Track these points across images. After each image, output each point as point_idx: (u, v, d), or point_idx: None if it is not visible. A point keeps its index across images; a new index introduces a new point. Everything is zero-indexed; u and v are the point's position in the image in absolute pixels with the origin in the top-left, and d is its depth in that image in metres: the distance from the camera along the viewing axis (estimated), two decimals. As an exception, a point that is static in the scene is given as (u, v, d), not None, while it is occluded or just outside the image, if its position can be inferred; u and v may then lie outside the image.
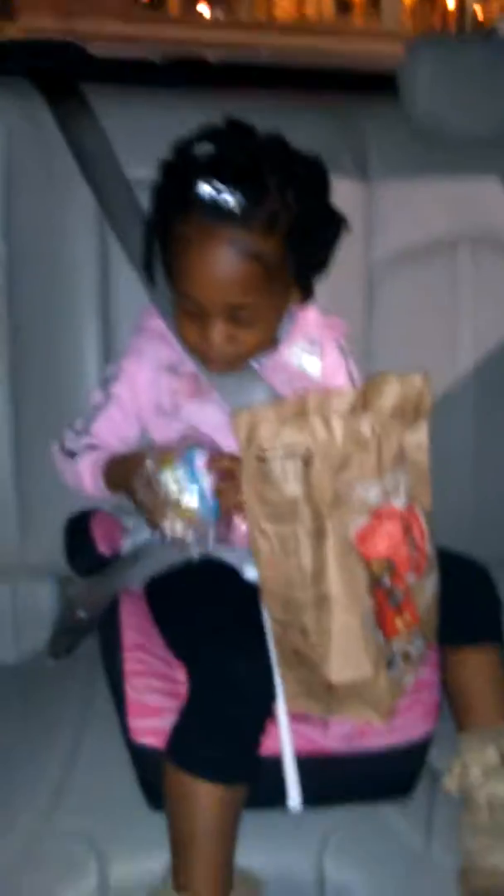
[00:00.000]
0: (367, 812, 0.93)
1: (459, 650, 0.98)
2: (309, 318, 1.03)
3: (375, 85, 1.32)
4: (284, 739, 0.89)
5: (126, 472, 0.96)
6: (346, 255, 1.13)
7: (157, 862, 0.87)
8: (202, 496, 0.90)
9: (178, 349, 1.00)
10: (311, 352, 1.02)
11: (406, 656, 0.90)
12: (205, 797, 0.85)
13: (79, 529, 1.08)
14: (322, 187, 0.96)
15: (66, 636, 1.02)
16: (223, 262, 0.89)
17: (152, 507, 0.92)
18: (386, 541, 0.84)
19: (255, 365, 0.99)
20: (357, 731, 0.91)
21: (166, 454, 0.92)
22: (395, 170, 1.24)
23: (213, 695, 0.86)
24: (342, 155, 1.21)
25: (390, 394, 0.86)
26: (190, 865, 0.85)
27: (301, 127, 1.05)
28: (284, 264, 0.92)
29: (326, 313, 1.06)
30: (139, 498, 0.93)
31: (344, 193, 1.02)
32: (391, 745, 0.92)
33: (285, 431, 0.78)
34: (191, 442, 0.94)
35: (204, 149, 0.91)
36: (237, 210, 0.87)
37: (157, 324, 1.03)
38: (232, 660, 0.87)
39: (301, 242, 0.92)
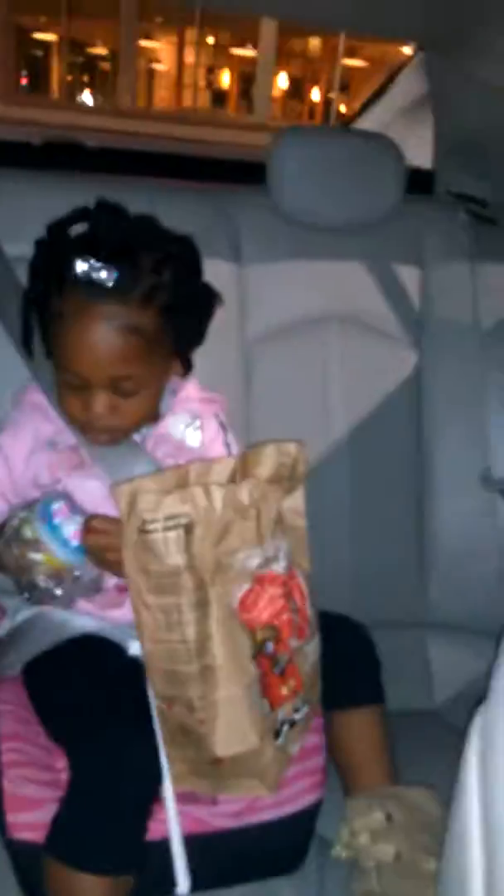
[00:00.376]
0: (259, 888, 0.91)
1: (343, 713, 0.99)
2: (190, 391, 1.06)
3: (246, 173, 1.40)
4: (172, 823, 0.86)
5: None
6: (223, 332, 1.18)
7: None
8: (63, 542, 0.90)
9: (58, 423, 1.00)
10: (192, 425, 1.04)
11: (292, 723, 0.90)
12: (88, 891, 0.81)
13: None
14: (194, 263, 1.00)
15: None
16: (102, 337, 0.91)
17: (15, 567, 0.90)
18: (268, 607, 0.85)
19: (137, 438, 1.00)
20: (246, 807, 0.90)
21: (27, 513, 0.92)
22: (266, 253, 1.30)
23: (94, 781, 0.84)
24: (217, 238, 1.26)
25: (267, 462, 0.88)
26: None
27: (176, 211, 1.10)
28: (163, 337, 0.94)
29: (206, 388, 1.09)
30: (2, 560, 0.91)
31: (218, 274, 1.08)
32: (280, 817, 0.91)
33: (166, 501, 0.79)
34: (49, 494, 0.94)
35: (78, 228, 0.94)
36: (113, 286, 0.89)
37: (36, 398, 1.03)
38: (114, 742, 0.85)
39: (178, 315, 0.95)
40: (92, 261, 0.89)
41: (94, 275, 0.89)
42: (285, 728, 0.89)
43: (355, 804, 0.94)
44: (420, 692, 1.31)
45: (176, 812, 0.86)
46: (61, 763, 0.90)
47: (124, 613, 0.90)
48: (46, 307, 0.94)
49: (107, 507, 0.90)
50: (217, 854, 0.89)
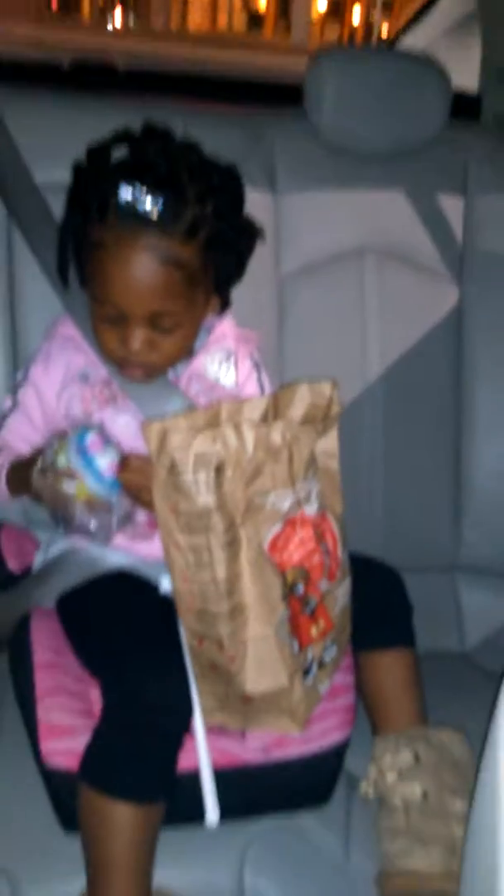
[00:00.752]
0: (285, 821, 0.93)
1: (373, 654, 0.99)
2: (225, 329, 1.03)
3: (283, 97, 1.34)
4: (202, 755, 0.88)
5: (25, 469, 0.93)
6: (257, 267, 1.14)
7: (72, 886, 0.85)
8: (97, 475, 0.88)
9: (90, 355, 0.99)
10: (226, 363, 1.02)
11: (321, 664, 0.90)
12: (121, 818, 0.83)
13: None
14: (238, 195, 0.96)
15: (-27, 655, 0.99)
16: (144, 270, 0.88)
17: (51, 497, 0.90)
18: (299, 549, 0.84)
19: (170, 375, 0.99)
20: (274, 742, 0.91)
21: (60, 442, 0.91)
22: (302, 181, 1.25)
23: (128, 712, 0.85)
24: (250, 166, 1.20)
25: (300, 402, 0.86)
26: (106, 890, 0.83)
27: (209, 136, 1.05)
28: (204, 272, 0.92)
29: (239, 324, 1.07)
30: (37, 490, 0.91)
31: (253, 204, 1.03)
32: (308, 754, 0.92)
33: (197, 441, 0.77)
34: (82, 424, 0.93)
35: (122, 153, 0.91)
36: (157, 216, 0.87)
37: (69, 330, 1.01)
38: (148, 676, 0.85)
39: (220, 251, 0.92)
40: (137, 188, 0.86)
41: (139, 204, 0.86)
42: (314, 667, 0.89)
43: (384, 743, 0.95)
44: (450, 635, 1.31)
45: (206, 744, 0.88)
46: (95, 693, 0.91)
47: (156, 550, 0.89)
48: (85, 236, 0.91)
49: (138, 443, 0.88)
50: (244, 787, 0.90)
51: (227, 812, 0.89)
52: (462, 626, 1.31)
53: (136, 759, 0.84)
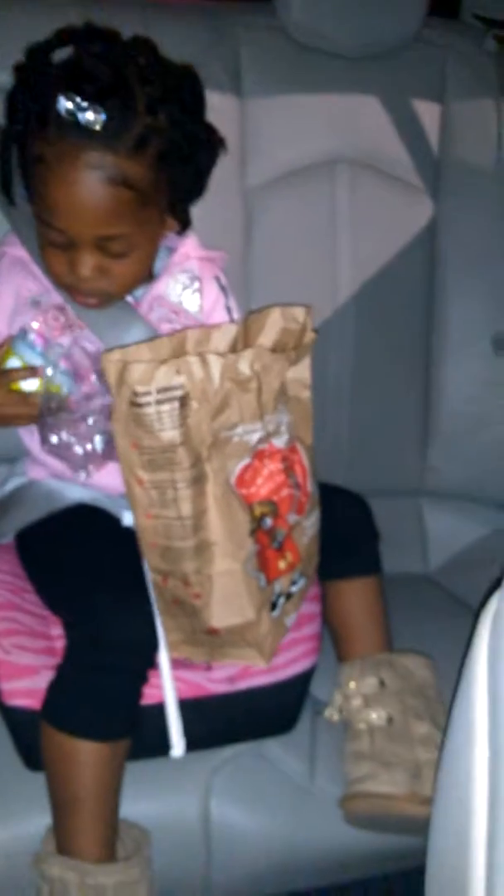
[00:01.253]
0: (250, 748, 0.93)
1: (340, 583, 0.98)
2: (189, 249, 0.97)
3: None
4: (167, 689, 0.86)
5: None
6: (220, 178, 1.06)
7: (32, 824, 0.85)
8: (54, 365, 0.86)
9: (42, 280, 0.92)
10: (190, 287, 0.96)
11: (288, 596, 0.89)
12: (85, 756, 0.82)
13: None
14: (196, 101, 0.88)
15: None
16: (88, 190, 0.81)
17: (12, 407, 0.86)
18: (267, 482, 0.82)
19: (130, 300, 0.93)
20: (239, 672, 0.90)
21: (4, 348, 0.88)
22: (270, 82, 1.16)
23: (92, 651, 0.83)
24: (213, 65, 1.12)
25: (271, 328, 0.82)
26: (73, 827, 0.82)
27: (167, 32, 0.97)
28: (157, 190, 0.85)
29: (203, 243, 1.00)
30: (4, 410, 0.87)
31: (216, 108, 0.94)
32: (274, 683, 0.91)
33: (160, 372, 0.73)
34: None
35: (62, 56, 0.82)
36: (101, 129, 0.79)
37: (18, 251, 0.94)
38: (111, 614, 0.83)
39: (175, 164, 0.85)
40: (77, 99, 0.78)
41: (80, 115, 0.78)
42: (281, 601, 0.87)
43: (349, 669, 0.95)
44: (414, 557, 1.31)
45: (171, 677, 0.86)
46: (56, 631, 0.89)
47: (117, 482, 0.86)
48: (26, 147, 0.83)
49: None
50: (210, 717, 0.90)
51: (192, 743, 0.88)
52: (426, 549, 1.31)
53: (100, 699, 0.82)
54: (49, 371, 0.86)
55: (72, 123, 0.79)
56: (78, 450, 0.86)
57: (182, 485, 0.77)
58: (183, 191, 0.89)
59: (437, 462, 1.28)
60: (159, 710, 0.87)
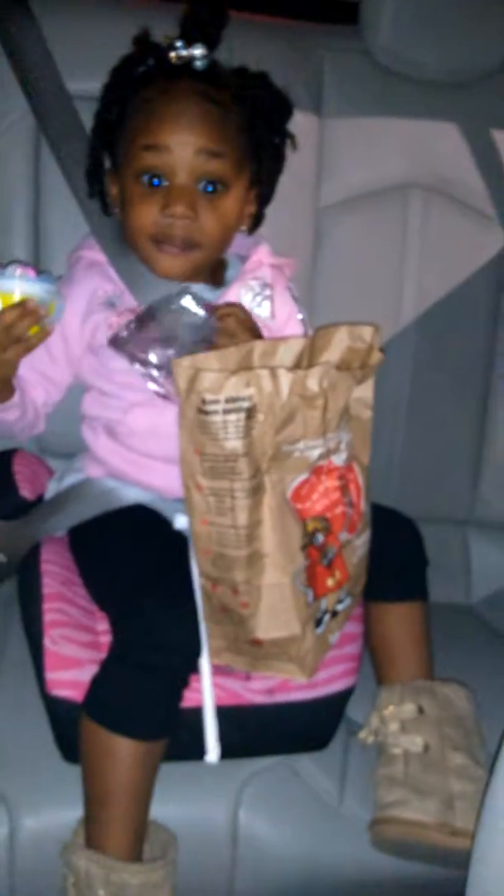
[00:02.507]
0: (283, 763, 0.93)
1: (385, 605, 0.97)
2: (262, 257, 0.98)
3: (337, 13, 1.25)
4: (206, 693, 0.86)
5: None
6: (295, 192, 1.09)
7: (69, 815, 0.85)
8: (29, 280, 0.84)
9: (117, 283, 0.94)
10: (261, 294, 0.97)
11: (333, 614, 0.88)
12: (122, 753, 0.82)
13: (0, 470, 1.02)
14: (280, 98, 0.95)
15: (-18, 580, 0.98)
16: (196, 103, 0.87)
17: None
18: (323, 499, 0.81)
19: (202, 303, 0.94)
20: (278, 684, 0.90)
21: None
22: (351, 104, 1.17)
23: (137, 650, 0.83)
24: (296, 84, 1.12)
25: (338, 345, 0.82)
26: (103, 822, 0.83)
27: (255, 48, 0.98)
28: (248, 147, 0.90)
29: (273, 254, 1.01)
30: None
31: (295, 126, 0.97)
32: (312, 699, 0.91)
33: (230, 383, 0.73)
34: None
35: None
36: (209, 69, 0.87)
37: (95, 255, 0.96)
38: (158, 614, 0.83)
39: (263, 130, 0.91)
40: (186, 45, 0.87)
41: (191, 56, 0.87)
42: (327, 618, 0.87)
43: (388, 693, 0.94)
44: (457, 588, 1.29)
45: (211, 683, 0.86)
46: (102, 626, 0.90)
47: (174, 487, 0.87)
48: (129, 104, 0.89)
49: None
50: (246, 727, 0.90)
51: (226, 751, 0.88)
52: (469, 580, 1.30)
53: (142, 697, 0.83)
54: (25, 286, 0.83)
55: (181, 67, 0.87)
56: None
57: (240, 494, 0.77)
58: (266, 160, 0.94)
59: (489, 493, 1.27)
60: (197, 714, 0.87)
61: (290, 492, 0.80)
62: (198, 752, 0.88)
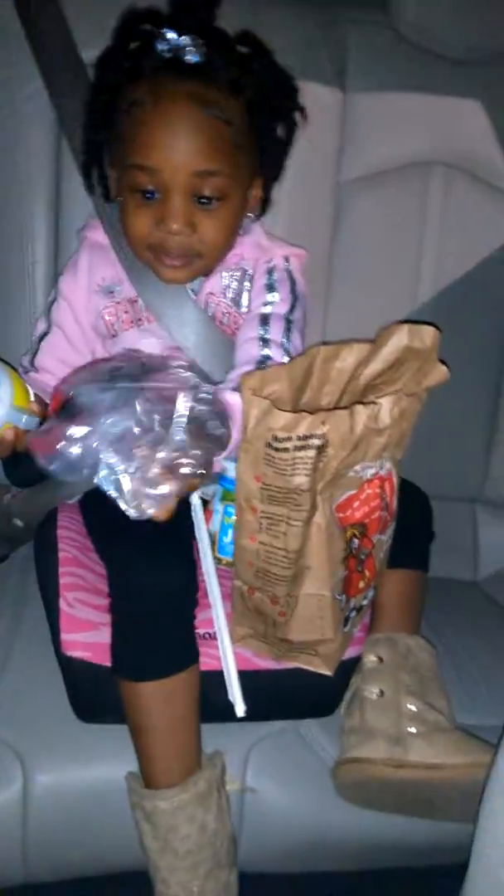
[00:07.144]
0: (289, 728, 0.93)
1: (386, 571, 0.94)
2: (243, 250, 0.91)
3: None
4: (227, 653, 0.85)
5: None
6: (315, 168, 1.01)
7: (82, 773, 0.84)
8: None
9: (118, 270, 0.86)
10: (239, 288, 0.92)
11: (359, 609, 0.85)
12: (152, 695, 0.80)
13: None
14: (283, 73, 0.86)
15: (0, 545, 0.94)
16: (187, 121, 0.76)
17: None
18: (363, 507, 0.77)
19: (191, 294, 0.88)
20: None
21: None
22: (375, 79, 1.08)
23: (122, 599, 0.81)
24: (320, 58, 1.05)
25: (395, 345, 0.78)
26: (153, 761, 0.81)
27: (276, 22, 0.92)
28: (249, 137, 0.80)
29: (290, 228, 0.96)
30: None
31: (318, 99, 0.90)
32: None
33: (306, 422, 0.67)
34: None
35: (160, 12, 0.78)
36: (200, 63, 0.76)
37: (98, 236, 0.88)
38: (136, 560, 0.80)
39: (266, 114, 0.81)
40: (176, 35, 0.75)
41: (180, 51, 0.75)
42: (353, 614, 0.84)
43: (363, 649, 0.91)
44: (464, 564, 1.27)
45: (230, 643, 0.84)
46: (113, 589, 0.85)
47: None
48: (119, 100, 0.78)
49: None
50: (254, 692, 0.88)
51: (232, 715, 0.86)
52: (476, 557, 1.28)
53: (151, 641, 0.80)
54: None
55: (171, 61, 0.75)
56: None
57: (297, 523, 0.72)
58: (271, 146, 0.85)
59: (499, 472, 1.24)
60: (212, 676, 0.85)
61: (336, 504, 0.76)
62: (211, 714, 0.86)
